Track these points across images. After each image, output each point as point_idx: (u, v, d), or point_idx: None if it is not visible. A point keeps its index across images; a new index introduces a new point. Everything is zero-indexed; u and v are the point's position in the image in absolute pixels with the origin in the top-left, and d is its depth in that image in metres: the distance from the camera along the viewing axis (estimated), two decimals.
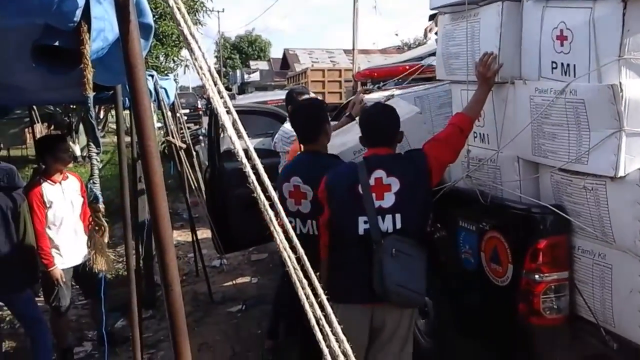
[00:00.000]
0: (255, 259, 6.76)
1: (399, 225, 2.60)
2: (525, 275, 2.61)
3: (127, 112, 4.64)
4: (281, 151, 4.24)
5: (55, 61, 1.46)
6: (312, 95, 4.78)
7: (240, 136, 1.32)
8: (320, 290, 1.35)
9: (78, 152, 14.41)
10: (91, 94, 1.44)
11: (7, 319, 4.79)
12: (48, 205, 3.98)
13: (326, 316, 1.33)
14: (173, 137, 5.42)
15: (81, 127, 14.69)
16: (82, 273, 4.13)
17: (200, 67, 1.30)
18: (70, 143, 13.11)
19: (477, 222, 2.95)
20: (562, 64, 2.51)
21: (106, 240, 1.88)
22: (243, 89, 34.97)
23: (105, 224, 1.79)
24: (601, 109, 2.31)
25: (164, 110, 5.20)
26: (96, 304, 4.20)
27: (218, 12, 43.78)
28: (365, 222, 2.61)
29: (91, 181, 1.69)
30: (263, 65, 43.39)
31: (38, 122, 8.44)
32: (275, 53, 51.01)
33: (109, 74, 1.67)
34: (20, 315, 4.01)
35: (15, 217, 3.75)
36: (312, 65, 22.82)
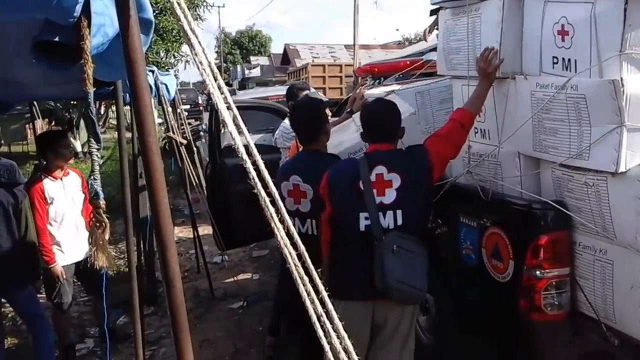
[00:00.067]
0: (256, 255, 6.76)
1: (400, 222, 2.59)
2: (527, 271, 2.61)
3: (128, 107, 4.64)
4: (282, 147, 4.24)
5: (56, 57, 1.46)
6: (313, 90, 4.77)
7: (240, 132, 1.32)
8: (321, 287, 1.35)
9: (79, 148, 14.40)
10: (91, 90, 1.44)
11: (9, 315, 4.79)
12: (49, 202, 3.97)
13: (327, 313, 1.33)
14: (174, 133, 5.41)
15: (82, 122, 14.66)
16: (83, 269, 4.13)
17: (201, 63, 1.29)
18: (71, 139, 13.11)
19: (478, 218, 2.94)
20: (563, 59, 2.50)
21: (107, 236, 1.88)
22: (244, 84, 35.00)
23: (106, 221, 1.79)
24: (602, 104, 2.30)
25: (165, 106, 5.20)
26: (98, 301, 4.21)
27: (218, 7, 43.84)
28: (367, 219, 2.61)
29: (92, 177, 1.69)
30: (264, 60, 43.37)
31: (39, 118, 8.46)
32: (276, 48, 51.14)
33: (109, 69, 1.67)
34: (22, 312, 4.01)
35: (17, 214, 3.75)
36: (312, 61, 22.81)
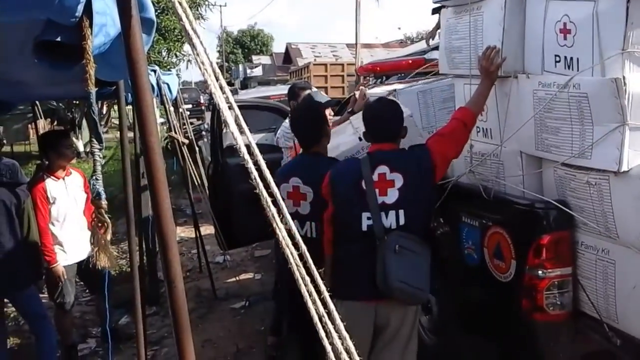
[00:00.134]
0: (258, 255, 6.76)
1: (402, 222, 2.59)
2: (529, 271, 2.60)
3: (130, 107, 4.64)
4: (284, 147, 4.23)
5: (58, 57, 1.46)
6: (315, 90, 4.76)
7: (242, 132, 1.31)
8: (322, 287, 1.34)
9: (81, 148, 14.42)
10: (93, 90, 1.44)
11: (12, 315, 4.80)
12: (52, 201, 3.98)
13: (329, 313, 1.32)
14: (176, 133, 5.42)
15: (84, 122, 14.70)
16: (85, 269, 4.13)
17: (203, 62, 1.29)
18: (73, 139, 13.09)
19: (480, 217, 2.94)
20: (566, 57, 2.49)
21: (109, 236, 1.89)
22: (246, 83, 34.97)
23: (108, 220, 1.80)
24: (605, 103, 2.29)
25: (167, 106, 5.20)
26: (100, 300, 4.21)
27: (220, 6, 43.91)
28: (369, 218, 2.61)
29: (94, 177, 1.70)
30: (265, 59, 43.32)
31: (41, 118, 8.46)
32: (278, 47, 51.03)
33: (111, 69, 1.67)
34: (25, 312, 4.01)
35: (19, 214, 3.75)
36: (314, 60, 22.76)
